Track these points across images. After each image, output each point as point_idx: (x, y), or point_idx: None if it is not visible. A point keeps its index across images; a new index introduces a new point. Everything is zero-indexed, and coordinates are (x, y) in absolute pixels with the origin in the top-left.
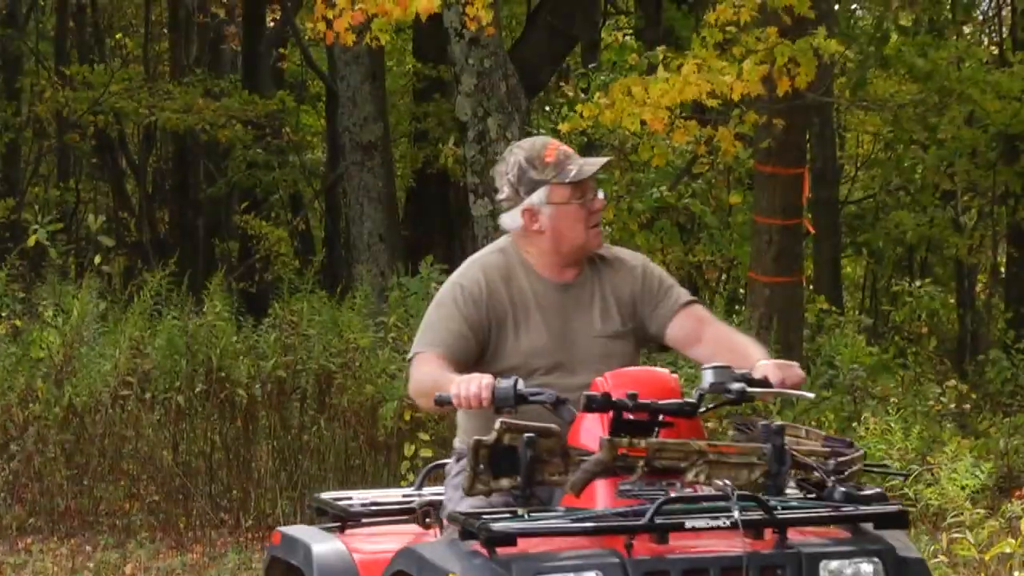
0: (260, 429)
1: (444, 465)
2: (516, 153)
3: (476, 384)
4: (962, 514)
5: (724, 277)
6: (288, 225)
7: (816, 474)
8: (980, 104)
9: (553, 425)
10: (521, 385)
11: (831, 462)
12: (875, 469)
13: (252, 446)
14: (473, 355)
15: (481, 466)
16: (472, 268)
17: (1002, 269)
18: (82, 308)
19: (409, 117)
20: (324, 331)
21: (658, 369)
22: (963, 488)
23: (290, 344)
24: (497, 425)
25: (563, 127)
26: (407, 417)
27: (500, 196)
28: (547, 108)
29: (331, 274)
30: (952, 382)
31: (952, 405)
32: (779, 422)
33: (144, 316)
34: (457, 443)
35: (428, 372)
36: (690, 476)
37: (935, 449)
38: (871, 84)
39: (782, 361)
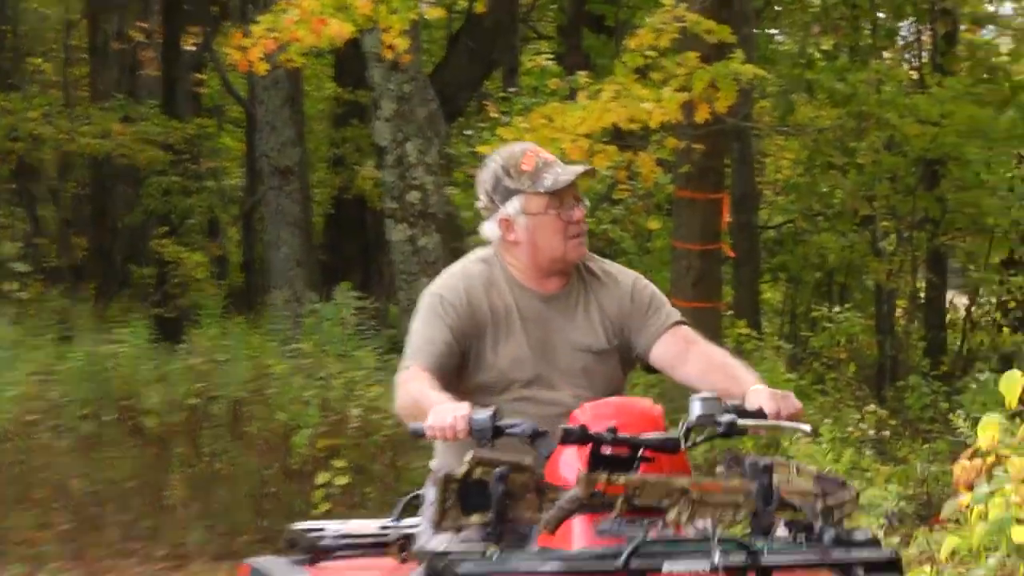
0: (172, 457)
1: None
2: (494, 160)
3: (451, 415)
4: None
5: None
6: (205, 250)
7: (805, 515)
8: (899, 128)
9: (527, 459)
10: (499, 417)
11: (820, 502)
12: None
13: (164, 474)
14: (455, 366)
15: (450, 501)
16: (452, 278)
17: (921, 295)
18: None
19: (328, 142)
20: (238, 357)
21: (641, 400)
22: (877, 516)
23: (203, 371)
24: (468, 458)
25: (482, 150)
26: (321, 445)
27: (478, 204)
28: (466, 132)
29: (248, 300)
30: (871, 408)
31: (871, 431)
32: (768, 458)
33: (54, 342)
34: (434, 465)
35: (411, 391)
36: (672, 515)
37: (855, 476)
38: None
39: (777, 390)
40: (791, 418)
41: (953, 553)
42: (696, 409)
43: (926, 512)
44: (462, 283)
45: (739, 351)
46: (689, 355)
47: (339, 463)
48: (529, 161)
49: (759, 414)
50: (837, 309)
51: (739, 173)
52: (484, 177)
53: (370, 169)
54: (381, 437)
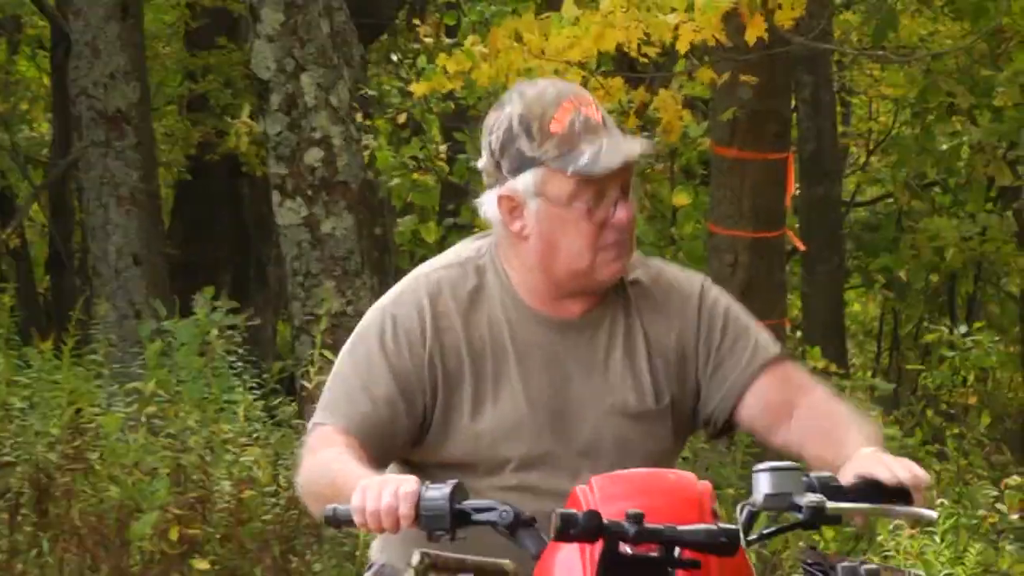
0: None
1: None
2: (513, 101)
3: (391, 493)
4: None
5: None
6: None
7: None
8: None
9: (506, 562)
10: (461, 496)
11: None
12: None
13: None
14: (404, 434)
15: None
16: (415, 289)
17: None
18: None
19: (180, 74)
20: (43, 404)
21: (678, 472)
22: None
23: None
24: (415, 560)
25: (416, 88)
26: (174, 535)
27: (479, 163)
28: (394, 59)
29: (58, 315)
30: (1016, 480)
31: (1015, 515)
32: (872, 564)
33: None
34: (375, 553)
35: (324, 462)
36: None
37: None
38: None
39: (895, 458)
40: (913, 494)
41: None
42: (763, 486)
43: None
44: (428, 299)
45: None
46: (798, 409)
47: (201, 564)
48: (563, 116)
49: (863, 490)
50: (963, 330)
51: (812, 121)
52: (493, 124)
53: (244, 125)
54: (264, 524)
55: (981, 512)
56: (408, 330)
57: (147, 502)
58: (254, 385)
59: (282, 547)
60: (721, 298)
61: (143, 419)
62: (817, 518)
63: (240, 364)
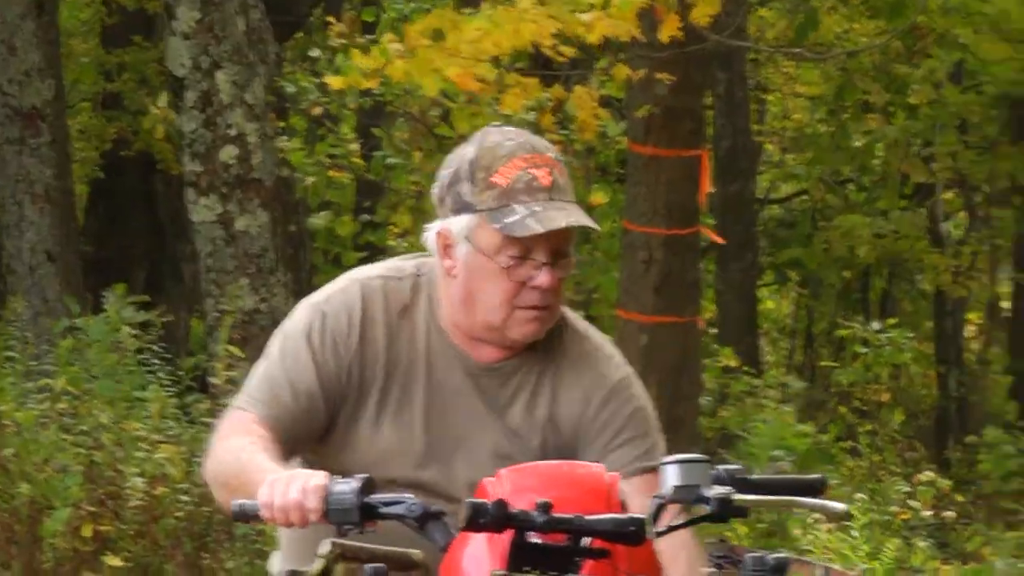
0: None
1: None
2: (475, 143)
3: (299, 488)
4: None
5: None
6: None
7: None
8: (973, 49)
9: (415, 552)
10: (370, 489)
11: None
12: None
13: None
14: (316, 431)
15: None
16: (349, 291)
17: (1004, 305)
18: None
19: (95, 71)
20: None
21: (585, 464)
22: None
23: None
24: (324, 549)
25: (333, 83)
26: (87, 532)
27: (433, 190)
28: (312, 54)
29: None
30: (928, 476)
31: (927, 511)
32: (780, 554)
33: None
34: (274, 567)
35: (234, 449)
36: None
37: None
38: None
39: None
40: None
41: None
42: (672, 478)
43: None
44: (361, 304)
45: (724, 394)
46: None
47: (113, 561)
48: (510, 171)
49: (771, 484)
50: (876, 327)
51: (726, 119)
52: (452, 159)
53: (161, 111)
54: (177, 521)
55: (894, 508)
56: (336, 331)
57: (59, 499)
58: (168, 382)
59: (194, 544)
60: (634, 401)
61: (56, 414)
62: (725, 510)
63: (154, 361)
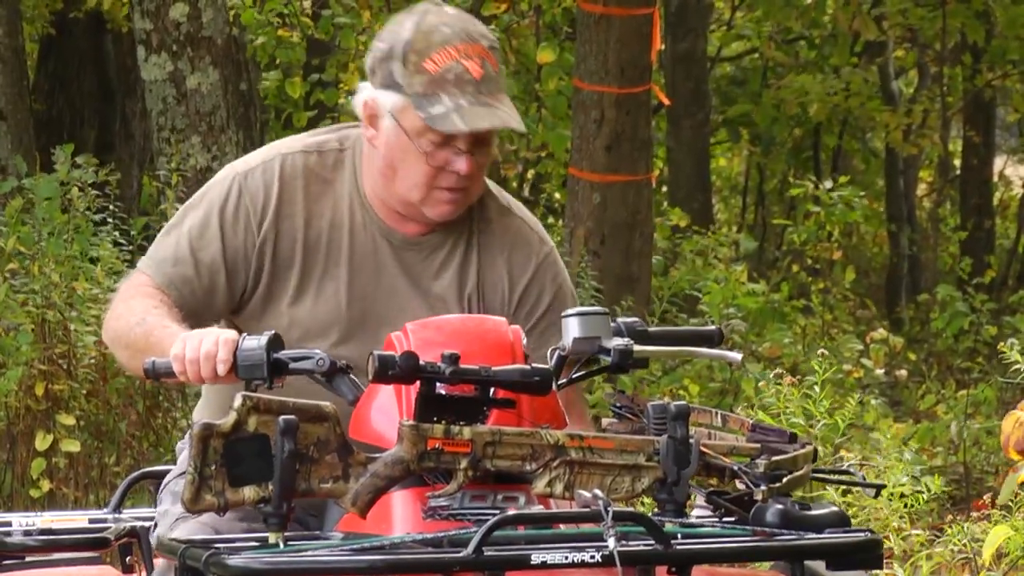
0: None
1: (161, 474)
2: (406, 23)
3: (211, 341)
4: (894, 537)
5: (529, 176)
6: None
7: (739, 483)
8: None
9: (327, 404)
10: (278, 345)
11: (761, 463)
12: (829, 477)
13: None
14: (219, 305)
15: (212, 467)
16: (269, 166)
17: (956, 162)
18: None
19: None
20: None
21: (491, 319)
22: (903, 502)
23: None
24: (237, 402)
25: None
26: (40, 391)
27: (367, 60)
28: None
29: None
30: (880, 334)
31: (879, 370)
32: (680, 402)
33: None
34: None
35: (138, 313)
36: (541, 485)
37: (854, 436)
38: None
39: None
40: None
41: (1002, 554)
42: (573, 330)
43: (962, 492)
44: (279, 182)
45: (675, 252)
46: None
47: (66, 419)
48: (442, 60)
49: (669, 335)
50: (828, 185)
51: None
52: (387, 33)
53: None
54: (129, 381)
55: (847, 367)
56: (250, 207)
57: (11, 358)
58: (121, 242)
59: (147, 403)
60: (560, 274)
61: (5, 275)
62: (624, 361)
63: (104, 220)
